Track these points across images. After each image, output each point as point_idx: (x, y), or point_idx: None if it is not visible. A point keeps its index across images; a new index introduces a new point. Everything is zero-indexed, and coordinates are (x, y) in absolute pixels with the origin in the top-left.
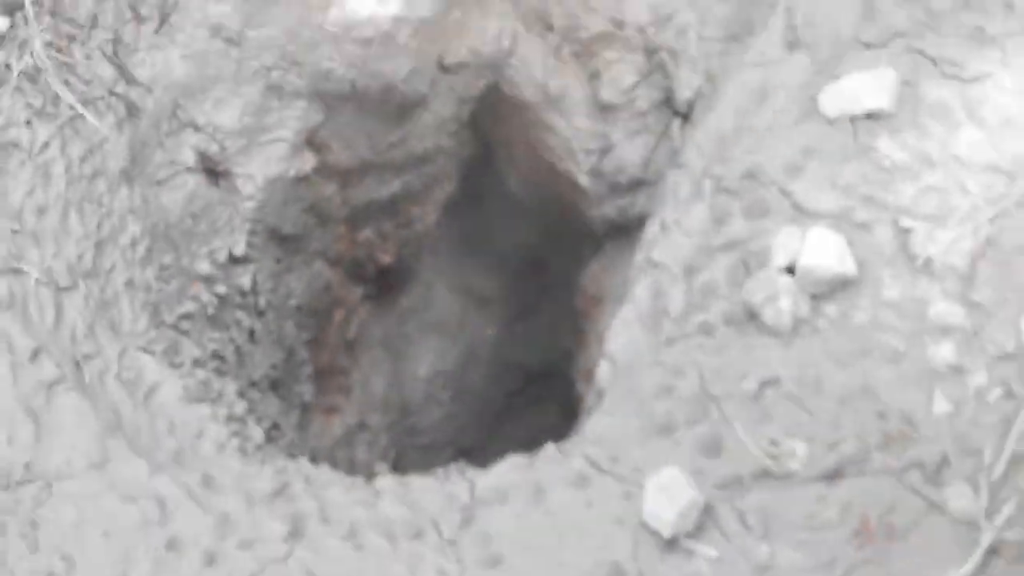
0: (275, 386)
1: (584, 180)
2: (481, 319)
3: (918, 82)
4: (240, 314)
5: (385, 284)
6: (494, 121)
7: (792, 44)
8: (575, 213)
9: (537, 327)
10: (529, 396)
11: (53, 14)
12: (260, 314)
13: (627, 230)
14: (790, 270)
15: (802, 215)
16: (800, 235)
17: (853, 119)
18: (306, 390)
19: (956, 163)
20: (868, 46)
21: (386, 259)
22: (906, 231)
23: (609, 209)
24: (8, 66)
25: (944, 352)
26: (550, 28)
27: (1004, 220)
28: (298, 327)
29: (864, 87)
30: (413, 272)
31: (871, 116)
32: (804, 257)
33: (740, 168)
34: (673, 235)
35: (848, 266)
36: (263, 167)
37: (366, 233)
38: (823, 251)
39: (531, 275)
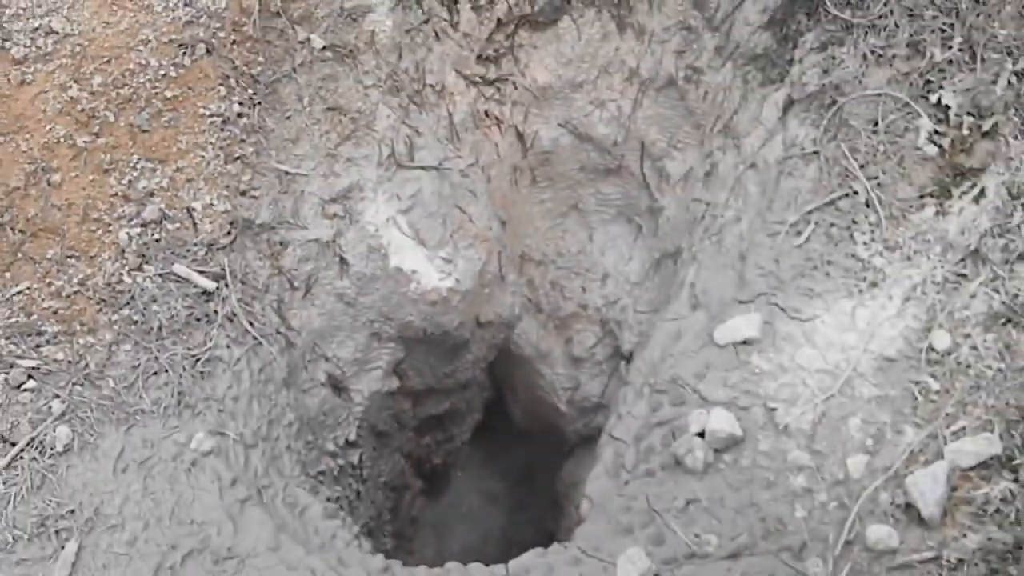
0: (371, 533)
1: (563, 407)
2: (493, 511)
3: (774, 322)
4: (351, 479)
5: (434, 481)
6: (504, 370)
7: (695, 305)
8: (556, 430)
9: (530, 515)
10: None
11: (243, 282)
12: (363, 482)
13: (591, 438)
14: (701, 435)
15: (706, 403)
16: (706, 414)
17: (735, 345)
18: (388, 542)
19: (800, 369)
20: (742, 302)
21: (436, 461)
22: (772, 410)
23: (579, 425)
24: (216, 311)
25: (799, 480)
26: (540, 310)
27: (831, 401)
28: (384, 497)
29: (741, 326)
30: (451, 475)
31: (746, 343)
32: (709, 426)
33: (666, 377)
34: (625, 420)
35: (737, 431)
36: (367, 385)
37: (426, 439)
38: (721, 423)
39: (527, 478)
